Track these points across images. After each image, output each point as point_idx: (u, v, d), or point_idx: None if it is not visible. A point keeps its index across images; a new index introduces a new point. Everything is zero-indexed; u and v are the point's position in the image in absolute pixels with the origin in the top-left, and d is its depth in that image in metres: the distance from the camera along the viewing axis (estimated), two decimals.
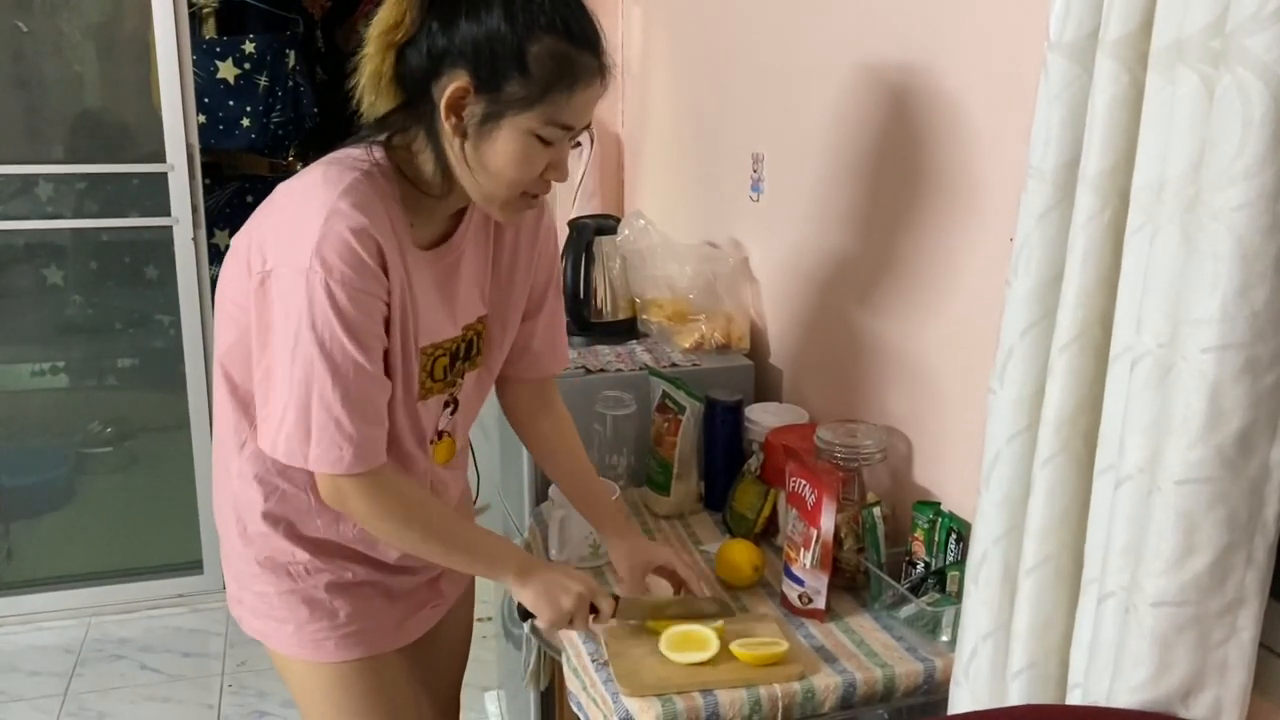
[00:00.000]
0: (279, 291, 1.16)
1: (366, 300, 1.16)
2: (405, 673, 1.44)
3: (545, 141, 1.18)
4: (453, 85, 1.15)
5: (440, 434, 1.38)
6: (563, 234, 1.77)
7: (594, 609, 1.34)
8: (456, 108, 1.16)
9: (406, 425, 1.30)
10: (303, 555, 1.34)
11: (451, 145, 1.19)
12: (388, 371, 1.23)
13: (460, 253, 1.31)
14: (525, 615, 1.36)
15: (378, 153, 1.22)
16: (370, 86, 1.19)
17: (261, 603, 1.37)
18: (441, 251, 1.29)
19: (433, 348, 1.29)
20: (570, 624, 1.33)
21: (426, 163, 1.22)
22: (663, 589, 1.48)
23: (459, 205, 1.29)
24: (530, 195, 1.23)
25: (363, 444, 1.19)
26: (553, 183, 1.24)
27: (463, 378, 1.37)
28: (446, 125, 1.17)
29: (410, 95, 1.19)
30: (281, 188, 1.24)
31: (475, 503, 1.78)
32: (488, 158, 1.18)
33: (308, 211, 1.16)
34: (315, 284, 1.14)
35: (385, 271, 1.18)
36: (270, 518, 1.32)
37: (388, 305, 1.20)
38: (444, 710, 1.63)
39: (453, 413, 1.38)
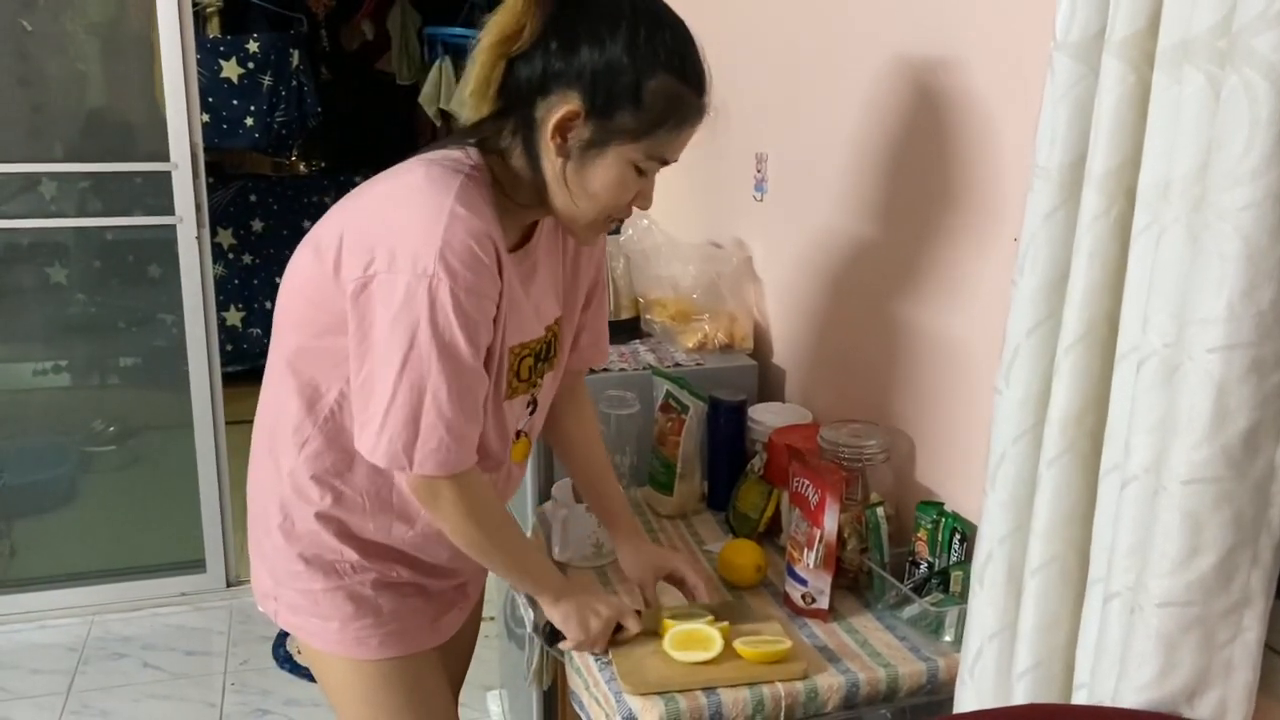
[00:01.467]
0: (386, 295, 1.15)
1: (485, 303, 1.18)
2: (437, 672, 1.44)
3: (641, 171, 1.21)
4: (565, 107, 1.16)
5: (519, 434, 1.39)
6: None
7: (618, 626, 1.36)
8: (565, 129, 1.17)
9: (493, 425, 1.31)
10: (351, 554, 1.33)
11: (553, 163, 1.20)
12: (486, 369, 1.24)
13: (537, 257, 1.32)
14: (554, 638, 1.38)
15: (474, 154, 1.23)
16: (477, 92, 1.20)
17: (305, 599, 1.35)
18: (521, 255, 1.29)
19: (520, 347, 1.30)
20: (593, 645, 1.35)
21: (523, 174, 1.23)
22: (671, 595, 1.48)
23: (538, 216, 1.30)
24: (613, 220, 1.27)
25: (467, 444, 1.20)
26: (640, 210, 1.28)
27: (542, 378, 1.38)
28: (551, 144, 1.18)
29: (509, 105, 1.20)
30: (376, 188, 1.23)
31: None
32: (588, 181, 1.20)
33: (422, 214, 1.15)
34: (439, 289, 1.13)
35: (500, 272, 1.19)
36: (323, 518, 1.32)
37: (498, 306, 1.21)
38: None
39: (532, 413, 1.39)
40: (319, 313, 1.23)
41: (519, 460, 1.42)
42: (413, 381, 1.16)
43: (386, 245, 1.16)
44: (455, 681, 1.63)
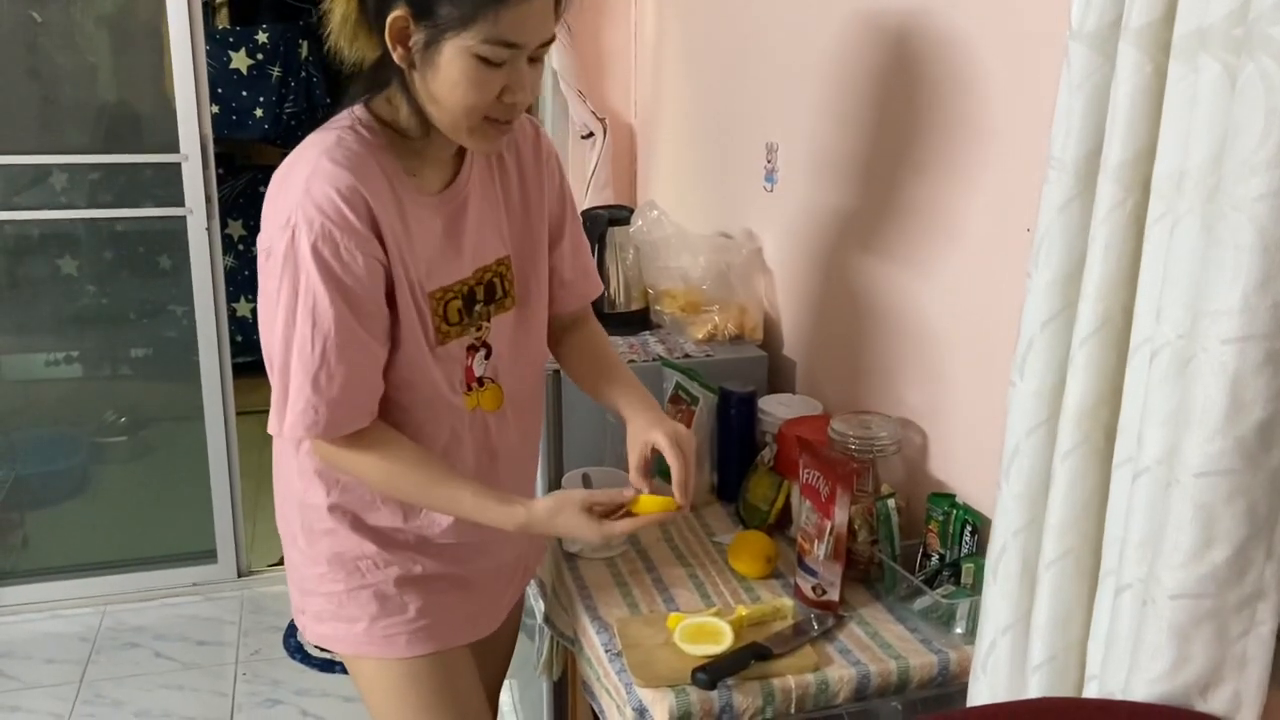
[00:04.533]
0: (265, 262, 1.18)
1: (357, 258, 1.17)
2: (470, 669, 1.43)
3: (492, 62, 1.15)
4: (393, 15, 1.14)
5: (480, 380, 1.35)
6: None
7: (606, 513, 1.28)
8: (401, 38, 1.16)
9: (437, 372, 1.29)
10: (370, 548, 1.33)
11: (410, 79, 1.19)
12: (402, 324, 1.23)
13: (466, 195, 1.31)
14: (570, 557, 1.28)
15: (358, 109, 1.23)
16: (340, 32, 1.20)
17: (330, 604, 1.35)
18: (447, 195, 1.28)
19: (442, 291, 1.28)
20: (604, 540, 1.28)
21: (401, 105, 1.22)
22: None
23: (452, 146, 1.28)
24: (498, 121, 1.21)
25: (339, 406, 1.19)
26: (520, 106, 1.20)
27: (488, 320, 1.34)
28: (396, 58, 1.17)
29: (380, 43, 1.19)
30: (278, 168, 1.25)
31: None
32: (435, 85, 1.17)
33: (294, 176, 1.18)
34: (300, 240, 1.14)
35: (377, 227, 1.18)
36: (336, 511, 1.32)
37: (385, 264, 1.20)
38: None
39: (486, 357, 1.35)
40: None
41: (492, 408, 1.36)
42: (280, 338, 1.17)
43: (266, 216, 1.20)
44: (492, 684, 1.61)
